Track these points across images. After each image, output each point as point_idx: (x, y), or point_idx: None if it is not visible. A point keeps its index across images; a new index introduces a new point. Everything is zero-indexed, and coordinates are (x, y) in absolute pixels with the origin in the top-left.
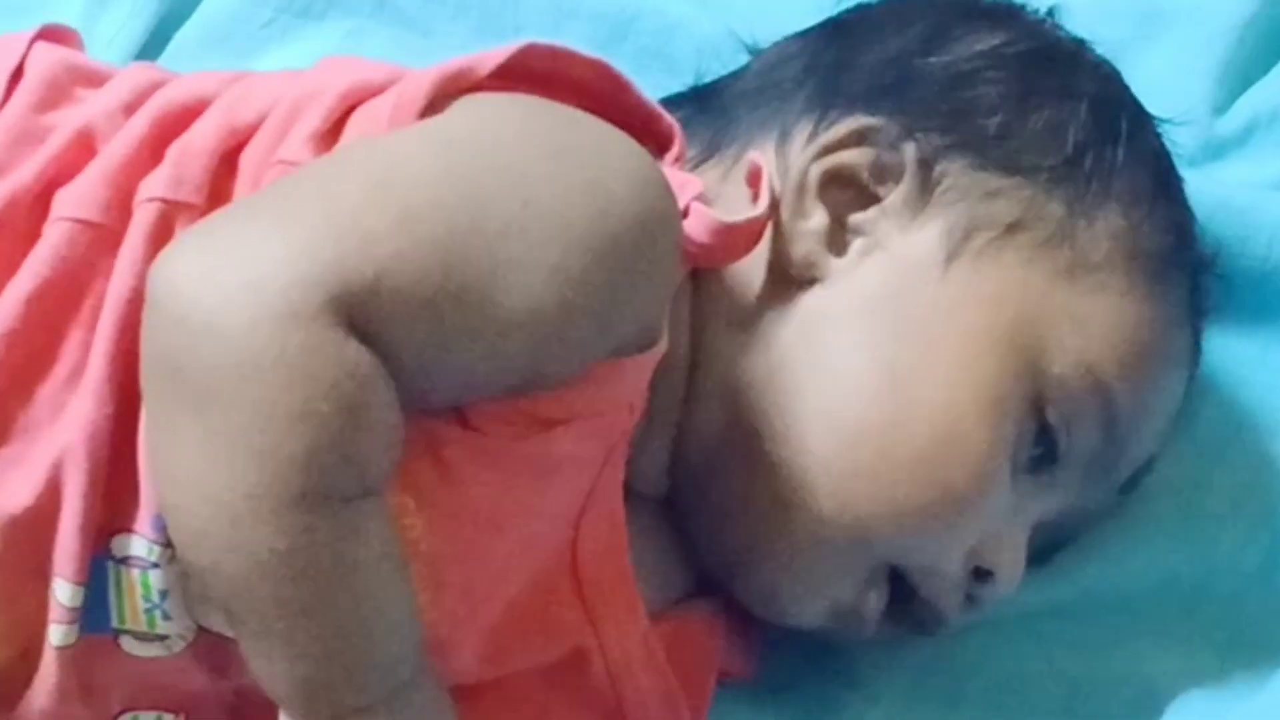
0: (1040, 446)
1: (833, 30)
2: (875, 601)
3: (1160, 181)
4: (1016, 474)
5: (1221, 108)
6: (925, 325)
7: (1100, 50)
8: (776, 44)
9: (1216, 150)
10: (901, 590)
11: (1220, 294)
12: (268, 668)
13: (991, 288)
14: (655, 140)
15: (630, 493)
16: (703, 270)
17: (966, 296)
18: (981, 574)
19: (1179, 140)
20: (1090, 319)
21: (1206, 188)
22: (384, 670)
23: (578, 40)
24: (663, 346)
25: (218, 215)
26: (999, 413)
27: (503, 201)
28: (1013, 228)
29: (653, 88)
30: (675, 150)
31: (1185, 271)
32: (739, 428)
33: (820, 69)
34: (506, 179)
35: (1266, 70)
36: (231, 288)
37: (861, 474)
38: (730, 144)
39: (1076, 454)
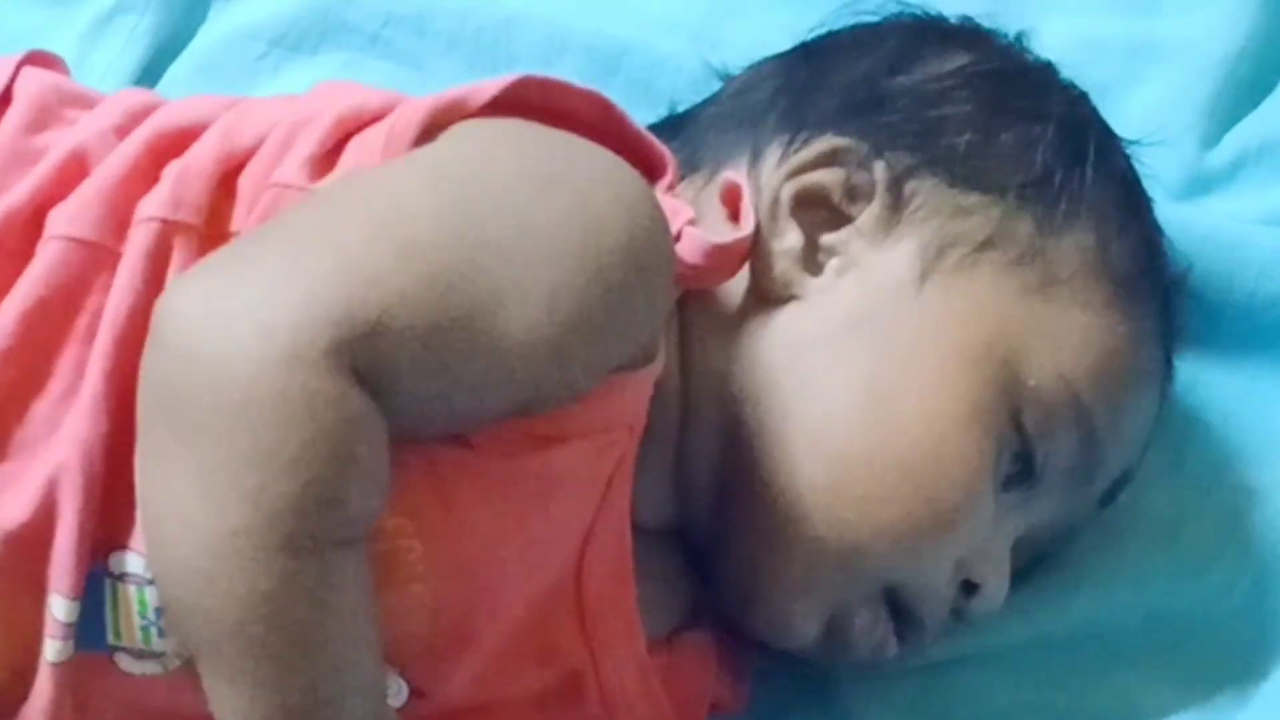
0: (1020, 461)
1: (803, 53)
2: (868, 621)
3: (1129, 201)
4: (998, 488)
5: (1209, 141)
6: (903, 343)
7: (1088, 84)
8: (748, 68)
9: (1204, 184)
10: (890, 607)
11: (1208, 328)
12: (230, 708)
13: (966, 304)
14: (648, 168)
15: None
16: (686, 294)
17: (942, 314)
18: (969, 588)
19: (1167, 174)
20: (1063, 333)
21: (1194, 221)
22: (352, 717)
23: (569, 74)
24: (660, 363)
25: (224, 253)
26: (979, 427)
27: (498, 232)
28: (984, 245)
29: (643, 121)
30: (668, 178)
31: (1156, 288)
32: (734, 450)
33: (790, 90)
34: (500, 208)
35: (1255, 105)
36: (238, 327)
37: (848, 495)
38: (703, 165)
39: (1054, 467)
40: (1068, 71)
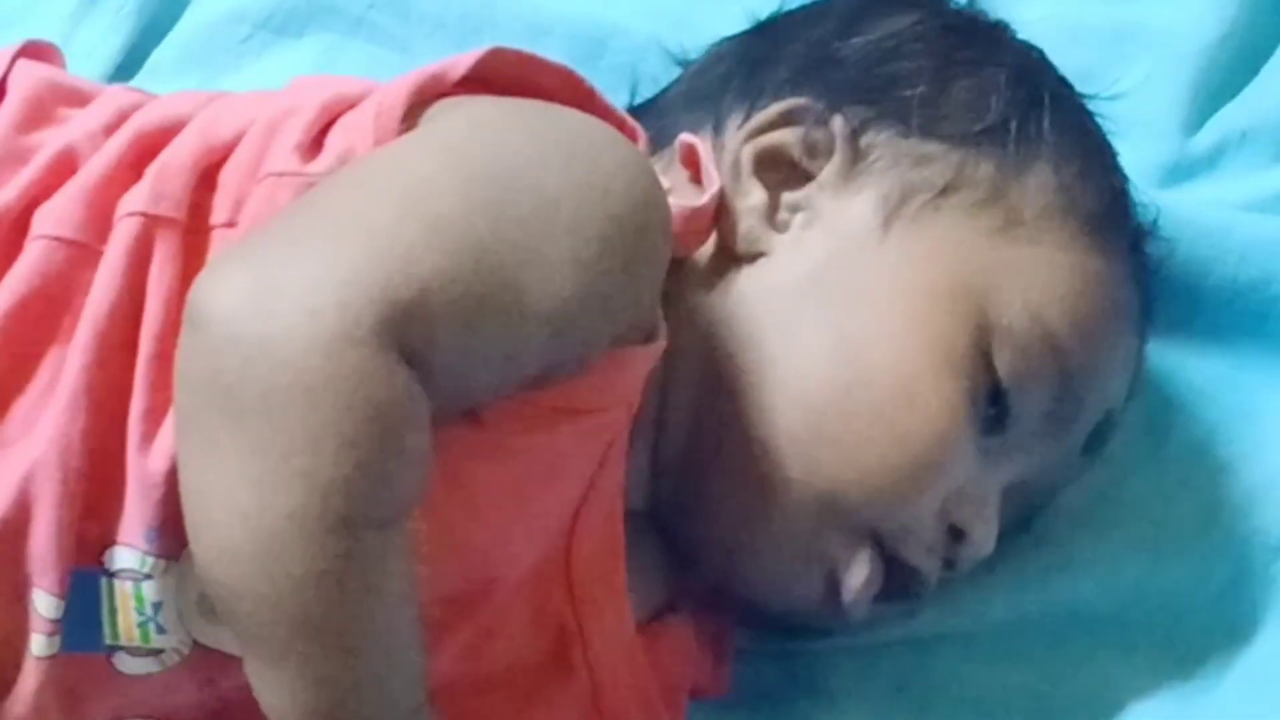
0: (996, 402)
1: (756, 30)
2: (863, 575)
3: (1089, 144)
4: (977, 431)
5: (1192, 127)
6: (871, 290)
7: (1071, 69)
8: (704, 51)
9: (1187, 170)
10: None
11: (1189, 313)
12: (275, 692)
13: (931, 247)
14: None
15: None
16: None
17: (908, 258)
18: (957, 534)
19: (1149, 159)
20: (1031, 271)
21: (1176, 207)
22: (395, 698)
23: (553, 58)
24: (663, 342)
25: (257, 237)
26: (951, 367)
27: (516, 203)
28: (946, 190)
29: (626, 105)
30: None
31: (1123, 229)
32: (710, 411)
33: (747, 63)
34: (516, 181)
35: (1237, 91)
36: (284, 310)
37: (826, 441)
38: (668, 143)
39: (1031, 408)
40: (1050, 56)
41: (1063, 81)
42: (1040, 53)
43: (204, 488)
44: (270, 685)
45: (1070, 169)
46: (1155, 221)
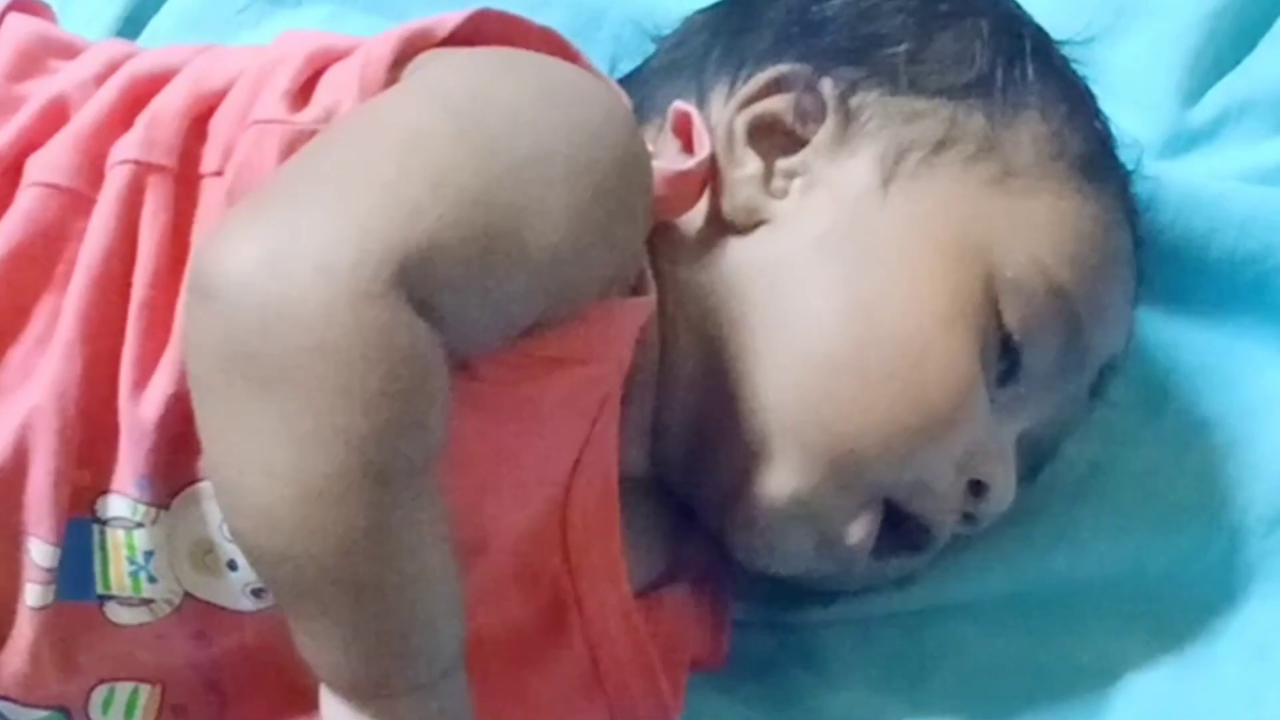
0: (1007, 354)
1: (731, 1)
2: (866, 529)
3: (1073, 91)
4: (991, 384)
5: (1191, 99)
6: (876, 250)
7: (1071, 42)
8: (681, 23)
9: (1186, 142)
10: (890, 517)
11: (1187, 285)
12: (327, 649)
13: (931, 203)
14: None
15: None
16: (653, 231)
17: (910, 216)
18: (977, 488)
19: (1148, 131)
20: (1030, 220)
21: (1176, 179)
22: (438, 648)
23: (554, 28)
24: (652, 298)
25: (259, 199)
26: (962, 321)
27: (511, 149)
28: (940, 145)
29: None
30: None
31: (1112, 173)
32: (716, 378)
33: (725, 34)
34: (510, 129)
35: (1236, 62)
36: (299, 271)
37: (840, 400)
38: (652, 116)
39: (1042, 357)
40: (1049, 28)
41: (1039, 28)
42: (1015, 4)
43: (236, 458)
44: (320, 643)
45: (1058, 114)
46: (1151, 194)
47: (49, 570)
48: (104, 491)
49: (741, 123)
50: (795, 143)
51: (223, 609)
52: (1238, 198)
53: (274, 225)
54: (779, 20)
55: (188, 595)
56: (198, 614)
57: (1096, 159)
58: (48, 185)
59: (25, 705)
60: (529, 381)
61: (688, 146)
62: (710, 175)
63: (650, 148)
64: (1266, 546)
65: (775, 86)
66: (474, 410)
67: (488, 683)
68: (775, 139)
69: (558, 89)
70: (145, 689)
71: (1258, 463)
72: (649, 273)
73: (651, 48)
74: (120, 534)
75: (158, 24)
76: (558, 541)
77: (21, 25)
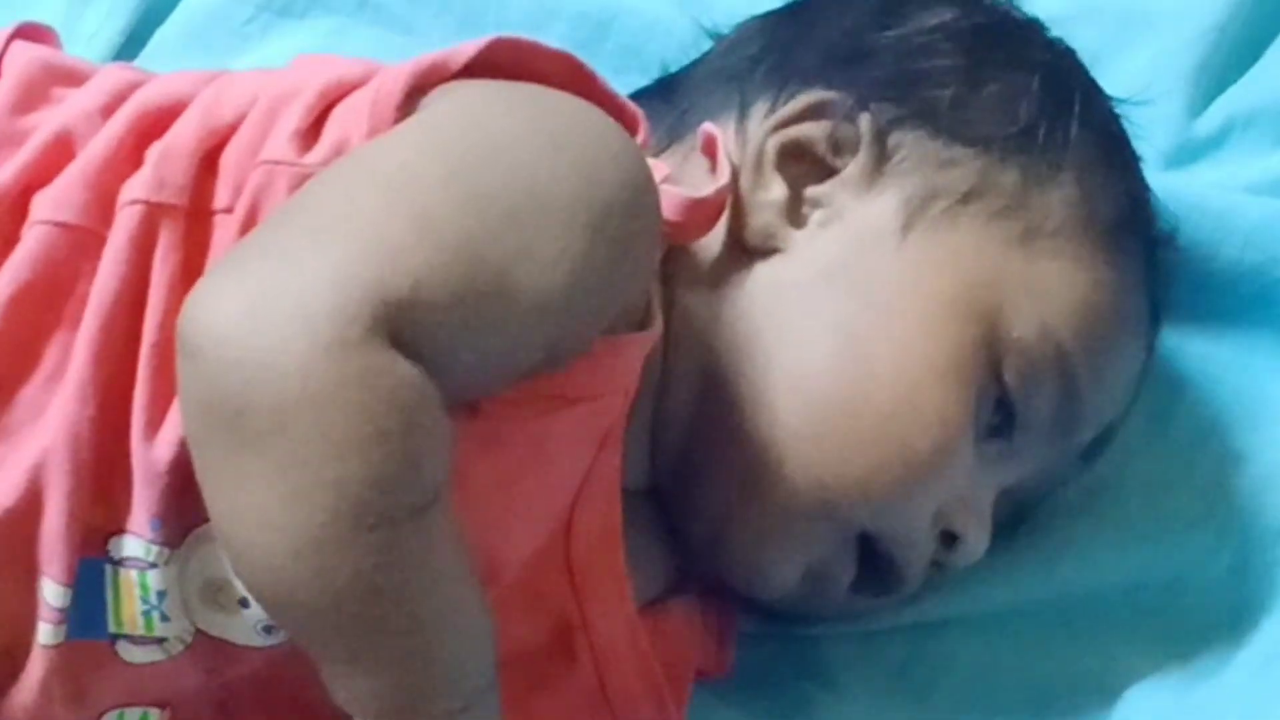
0: (1001, 412)
1: (788, 11)
2: (844, 568)
3: (1114, 153)
4: (978, 439)
5: (1197, 109)
6: (884, 293)
7: (1077, 51)
8: (735, 28)
9: (1192, 152)
10: (866, 555)
11: (1193, 296)
12: (354, 687)
13: (948, 255)
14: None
15: None
16: (665, 253)
17: (924, 264)
18: (949, 539)
19: (1154, 141)
20: (1046, 284)
21: (1181, 190)
22: (465, 679)
23: (559, 40)
24: (658, 330)
25: (242, 250)
26: (957, 377)
27: (504, 192)
28: (968, 196)
29: (633, 85)
30: (640, 138)
31: (1140, 239)
32: (712, 401)
33: (776, 47)
34: (504, 171)
35: (1243, 73)
36: (278, 323)
37: (826, 441)
38: (690, 129)
39: (1036, 418)
40: (1057, 36)
41: (1091, 83)
42: (1072, 53)
43: (234, 512)
44: (347, 685)
45: (1093, 179)
46: (1175, 230)
47: (60, 610)
48: (117, 532)
49: (773, 145)
50: (824, 172)
51: (237, 645)
52: (1244, 209)
53: (253, 276)
54: (831, 41)
55: (200, 632)
56: (210, 650)
57: (1125, 226)
58: (55, 223)
59: None
60: (535, 419)
61: (713, 168)
62: (729, 198)
63: (677, 168)
64: (1272, 557)
65: (814, 112)
66: (480, 446)
67: None
68: (804, 165)
69: (560, 129)
70: (155, 713)
71: (1264, 474)
72: (656, 302)
73: (656, 63)
74: (133, 574)
75: (163, 35)
76: (562, 566)
77: (24, 54)
